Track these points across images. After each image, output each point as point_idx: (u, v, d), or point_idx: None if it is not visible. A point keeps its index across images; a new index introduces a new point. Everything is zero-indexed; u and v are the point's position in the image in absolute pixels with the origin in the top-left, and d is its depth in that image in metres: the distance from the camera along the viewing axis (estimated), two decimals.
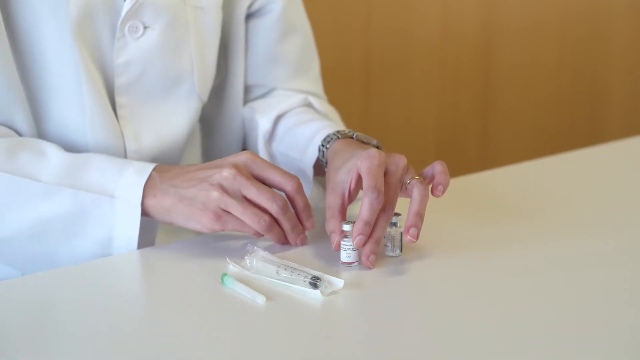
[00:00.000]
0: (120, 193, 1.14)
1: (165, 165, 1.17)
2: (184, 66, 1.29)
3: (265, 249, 1.11)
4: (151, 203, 1.14)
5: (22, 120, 1.21)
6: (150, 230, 1.19)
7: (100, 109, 1.23)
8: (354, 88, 2.51)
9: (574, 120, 2.84)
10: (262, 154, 1.38)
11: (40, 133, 1.23)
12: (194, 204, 1.12)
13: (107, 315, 0.99)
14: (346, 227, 1.08)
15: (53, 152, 1.17)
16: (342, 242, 1.09)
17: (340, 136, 1.25)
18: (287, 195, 1.15)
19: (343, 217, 1.13)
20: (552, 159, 1.55)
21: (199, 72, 1.30)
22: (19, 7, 1.18)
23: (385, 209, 1.10)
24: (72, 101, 1.22)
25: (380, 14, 2.49)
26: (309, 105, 1.41)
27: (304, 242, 1.15)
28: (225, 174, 1.11)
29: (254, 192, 1.11)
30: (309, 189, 1.32)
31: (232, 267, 1.08)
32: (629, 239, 1.20)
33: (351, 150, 1.18)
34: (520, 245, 1.17)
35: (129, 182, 1.14)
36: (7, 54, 1.18)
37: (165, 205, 1.13)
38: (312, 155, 1.29)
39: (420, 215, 1.10)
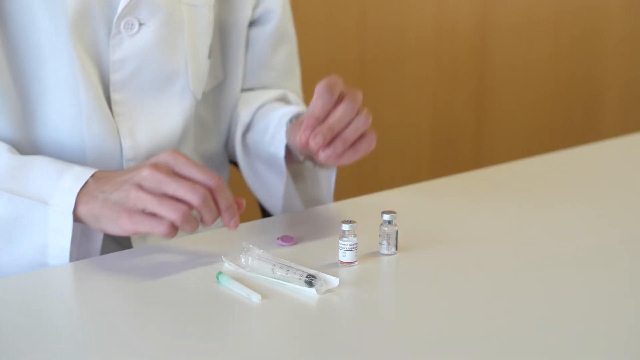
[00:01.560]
0: (54, 200, 1.13)
1: (105, 171, 1.15)
2: (179, 63, 1.29)
3: (261, 247, 1.11)
4: (83, 211, 1.11)
5: (5, 119, 1.20)
6: (93, 239, 1.17)
7: (96, 106, 1.23)
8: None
9: (569, 117, 2.85)
10: (239, 145, 1.41)
11: (35, 130, 1.23)
12: (114, 207, 1.09)
13: (101, 313, 0.99)
14: (345, 227, 1.08)
15: (1, 154, 1.17)
16: (340, 242, 1.09)
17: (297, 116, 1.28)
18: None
19: (312, 126, 1.13)
20: (547, 156, 1.56)
21: (192, 70, 1.31)
22: (14, 3, 1.18)
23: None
24: (68, 97, 1.22)
25: (374, 12, 2.49)
26: (284, 98, 1.44)
27: (239, 209, 1.12)
28: (144, 174, 1.08)
29: (172, 187, 1.07)
30: (281, 182, 1.34)
31: (228, 266, 1.08)
32: (625, 236, 1.21)
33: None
34: (516, 242, 1.17)
35: (64, 189, 1.12)
36: None
37: (94, 212, 1.11)
38: (280, 139, 1.31)
39: (332, 129, 1.12)
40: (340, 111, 1.14)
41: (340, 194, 1.39)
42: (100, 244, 1.17)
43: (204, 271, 1.08)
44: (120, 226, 1.08)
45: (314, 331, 0.96)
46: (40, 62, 1.20)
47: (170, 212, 1.06)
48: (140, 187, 1.08)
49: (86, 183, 1.12)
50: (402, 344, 0.93)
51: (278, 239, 1.16)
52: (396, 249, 1.13)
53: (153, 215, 1.07)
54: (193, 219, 1.08)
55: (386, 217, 1.12)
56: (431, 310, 1.00)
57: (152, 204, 1.07)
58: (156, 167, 1.09)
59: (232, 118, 1.43)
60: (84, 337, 0.96)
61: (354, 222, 1.09)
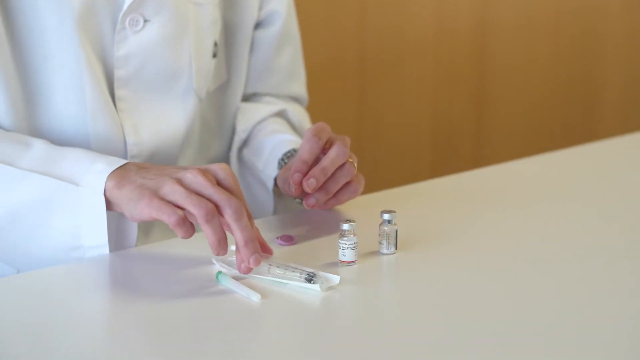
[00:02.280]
0: (85, 182, 1.11)
1: (145, 163, 1.13)
2: (183, 61, 1.30)
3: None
4: (115, 194, 1.09)
5: (11, 114, 1.20)
6: (128, 231, 1.15)
7: (101, 101, 1.23)
8: (348, 87, 2.51)
9: (568, 117, 2.85)
10: (234, 157, 1.43)
11: (40, 125, 1.23)
12: (145, 190, 1.06)
13: (102, 313, 0.99)
14: (345, 227, 1.09)
15: (38, 144, 1.16)
16: (340, 241, 1.09)
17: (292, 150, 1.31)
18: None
19: (305, 172, 1.16)
20: (547, 156, 1.56)
21: (196, 68, 1.31)
22: None
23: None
24: (73, 93, 1.22)
25: (374, 12, 2.49)
26: (281, 114, 1.45)
27: (257, 263, 1.05)
28: (188, 174, 1.06)
29: (209, 192, 1.04)
30: (271, 200, 1.36)
31: (219, 267, 1.08)
32: (624, 235, 1.21)
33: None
34: (516, 242, 1.18)
35: (96, 172, 1.11)
36: (1, 44, 1.18)
37: (126, 194, 1.08)
38: (271, 170, 1.34)
39: (325, 172, 1.16)
40: (333, 155, 1.18)
41: None
42: (136, 234, 1.15)
43: (204, 270, 1.08)
44: (138, 208, 1.05)
45: (313, 331, 0.97)
46: (46, 57, 1.21)
47: (194, 207, 1.02)
48: (179, 182, 1.05)
49: (127, 169, 1.10)
50: (401, 343, 0.93)
51: (277, 238, 1.16)
52: (396, 249, 1.13)
53: (174, 206, 1.04)
54: (217, 222, 1.03)
55: (386, 216, 1.12)
56: (431, 309, 1.00)
57: (181, 196, 1.03)
58: (203, 172, 1.06)
59: (233, 128, 1.45)
60: (83, 337, 0.96)
61: (354, 221, 1.09)
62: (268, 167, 1.35)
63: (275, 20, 1.42)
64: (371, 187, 1.36)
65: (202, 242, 1.17)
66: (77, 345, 0.93)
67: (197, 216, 1.02)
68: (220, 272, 1.05)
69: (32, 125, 1.23)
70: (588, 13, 2.78)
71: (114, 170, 1.10)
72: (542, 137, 2.81)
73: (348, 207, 1.30)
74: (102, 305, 1.01)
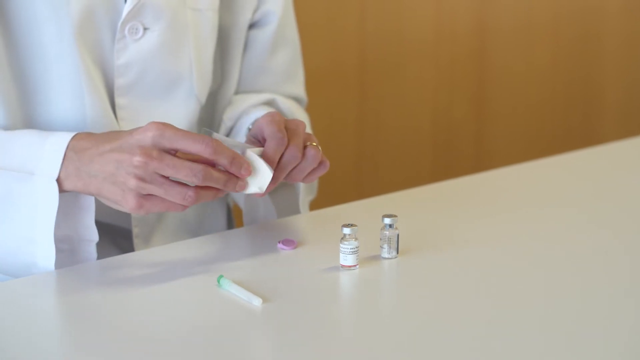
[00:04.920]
0: (40, 170, 1.11)
1: (84, 141, 1.12)
2: (183, 68, 1.29)
3: (262, 251, 1.10)
4: (71, 186, 1.10)
5: (9, 123, 1.20)
6: (84, 211, 1.14)
7: (101, 110, 1.23)
8: (348, 89, 2.51)
9: (568, 120, 2.85)
10: None
11: None
12: (114, 192, 1.08)
13: (102, 318, 0.99)
14: (346, 231, 1.09)
15: None
16: (341, 245, 1.09)
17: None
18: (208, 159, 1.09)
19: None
20: (548, 160, 1.56)
21: (197, 74, 1.31)
22: (18, 7, 1.18)
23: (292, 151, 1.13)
24: (72, 102, 1.22)
25: (374, 14, 2.49)
26: (270, 103, 1.42)
27: (243, 189, 1.10)
28: (136, 163, 1.06)
29: (170, 172, 1.06)
30: None
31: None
32: (624, 239, 1.21)
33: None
34: (517, 246, 1.18)
35: (48, 156, 1.11)
36: None
37: (89, 190, 1.10)
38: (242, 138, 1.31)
39: (283, 171, 1.13)
40: (288, 157, 1.13)
41: (341, 197, 1.39)
42: (93, 218, 1.15)
43: (205, 275, 1.08)
44: (129, 209, 1.08)
45: (314, 335, 0.97)
46: (45, 66, 1.21)
47: (180, 201, 1.06)
48: (137, 176, 1.06)
49: (68, 158, 1.10)
50: (402, 348, 0.93)
51: (279, 242, 1.16)
52: (397, 253, 1.13)
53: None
54: (204, 194, 1.07)
55: (387, 220, 1.12)
56: (432, 314, 1.00)
57: (159, 193, 1.06)
58: (146, 153, 1.06)
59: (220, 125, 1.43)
60: (85, 340, 0.96)
61: (355, 225, 1.09)
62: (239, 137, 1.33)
63: (270, 21, 1.41)
64: (371, 189, 1.36)
65: (202, 246, 1.17)
66: (77, 351, 0.93)
67: (184, 204, 1.07)
68: (221, 276, 1.05)
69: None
70: (587, 15, 2.78)
71: (62, 164, 1.10)
72: (543, 139, 2.81)
73: (349, 211, 1.30)
74: (103, 310, 1.01)
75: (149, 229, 1.32)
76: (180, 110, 1.30)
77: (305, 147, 1.15)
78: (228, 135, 1.39)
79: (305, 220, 1.30)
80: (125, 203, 1.08)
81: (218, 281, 1.05)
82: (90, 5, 1.20)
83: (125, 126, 1.26)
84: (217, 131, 1.39)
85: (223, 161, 1.08)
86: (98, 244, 1.15)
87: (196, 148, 1.07)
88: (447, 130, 2.67)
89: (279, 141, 1.13)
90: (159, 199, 1.07)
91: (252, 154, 1.11)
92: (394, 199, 1.33)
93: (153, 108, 1.28)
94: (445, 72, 2.63)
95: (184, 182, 1.06)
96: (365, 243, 1.13)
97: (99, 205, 1.14)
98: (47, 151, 1.12)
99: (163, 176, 1.06)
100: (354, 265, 1.10)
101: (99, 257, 1.15)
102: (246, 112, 1.38)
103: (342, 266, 1.10)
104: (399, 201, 1.33)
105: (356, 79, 2.51)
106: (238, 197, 1.39)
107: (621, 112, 2.89)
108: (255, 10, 1.40)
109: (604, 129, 2.88)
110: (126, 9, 1.22)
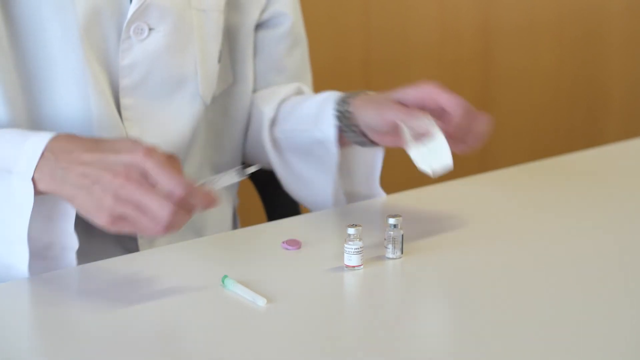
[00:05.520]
0: (18, 168, 1.09)
1: (61, 140, 1.10)
2: (188, 68, 1.29)
3: (266, 252, 1.10)
4: (45, 187, 1.08)
5: (14, 124, 1.20)
6: (62, 216, 1.13)
7: (106, 111, 1.23)
8: (352, 89, 2.50)
9: (572, 119, 2.85)
10: (267, 140, 1.38)
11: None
12: (88, 203, 1.06)
13: (106, 318, 0.99)
14: (350, 231, 1.09)
15: None
16: (345, 245, 1.09)
17: (353, 94, 1.31)
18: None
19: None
20: (552, 160, 1.56)
21: (202, 75, 1.31)
22: (23, 7, 1.18)
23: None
24: (77, 102, 1.22)
25: (378, 14, 2.49)
26: (300, 92, 1.44)
27: (214, 205, 1.07)
28: (116, 183, 1.04)
29: (144, 201, 1.03)
30: (332, 154, 1.32)
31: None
32: (628, 240, 1.21)
33: (379, 96, 1.28)
34: (522, 246, 1.18)
35: (27, 154, 1.09)
36: (3, 54, 1.18)
37: (65, 194, 1.07)
38: (328, 120, 1.30)
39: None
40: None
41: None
42: (73, 225, 1.13)
43: (209, 275, 1.08)
44: (102, 224, 1.05)
45: (319, 335, 0.97)
46: (50, 66, 1.21)
47: (150, 230, 1.04)
48: (116, 196, 1.04)
49: (45, 157, 1.08)
50: (407, 348, 0.93)
51: (283, 242, 1.17)
52: (402, 253, 1.13)
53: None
54: (177, 222, 1.04)
55: (392, 220, 1.12)
56: (437, 314, 1.00)
57: (131, 214, 1.04)
58: (127, 175, 1.04)
59: (253, 117, 1.42)
60: (86, 342, 0.96)
61: (360, 225, 1.09)
62: (323, 122, 1.32)
63: (282, 22, 1.42)
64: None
65: (207, 246, 1.17)
66: (82, 350, 0.94)
67: (155, 234, 1.05)
68: (225, 276, 1.05)
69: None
70: (591, 15, 2.78)
71: (38, 164, 1.08)
72: (547, 139, 2.81)
73: (354, 212, 1.30)
74: (106, 310, 1.01)
75: None
76: (184, 111, 1.31)
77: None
78: (272, 124, 1.39)
79: (309, 221, 1.30)
80: (97, 219, 1.05)
81: (222, 281, 1.05)
82: (95, 6, 1.20)
83: (130, 126, 1.26)
84: (259, 125, 1.40)
85: (196, 201, 1.06)
86: (103, 244, 1.15)
87: (171, 187, 1.04)
88: None
89: (469, 112, 1.21)
90: (129, 222, 1.04)
91: (439, 133, 1.14)
92: (398, 199, 1.34)
93: (158, 108, 1.28)
94: (449, 72, 2.63)
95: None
96: (369, 243, 1.13)
97: None
98: (26, 150, 1.10)
99: (137, 199, 1.04)
100: (359, 266, 1.10)
101: (103, 257, 1.15)
102: (287, 101, 1.40)
103: (347, 266, 1.10)
104: (404, 201, 1.33)
105: (360, 79, 2.51)
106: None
107: (625, 112, 2.89)
108: (264, 11, 1.40)
109: (608, 129, 2.87)
110: (131, 9, 1.22)
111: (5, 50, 1.19)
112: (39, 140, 1.10)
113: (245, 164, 1.01)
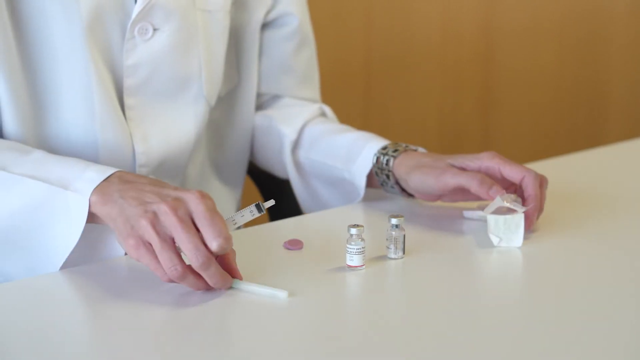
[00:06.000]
0: (74, 187, 1.09)
1: (133, 174, 1.11)
2: (192, 69, 1.30)
3: (268, 251, 1.11)
4: (100, 210, 1.08)
5: (18, 123, 1.20)
6: (106, 243, 1.14)
7: (110, 110, 1.23)
8: (354, 89, 2.51)
9: (574, 120, 2.85)
10: (289, 161, 1.40)
11: (48, 134, 1.23)
12: (126, 225, 1.05)
13: (115, 316, 1.00)
14: (352, 231, 1.09)
15: (37, 153, 1.15)
16: (347, 246, 1.09)
17: (395, 148, 1.31)
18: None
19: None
20: (553, 161, 1.56)
21: (206, 76, 1.31)
22: (28, 7, 1.19)
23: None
24: (82, 102, 1.22)
25: (381, 15, 2.49)
26: (324, 114, 1.45)
27: (225, 287, 1.05)
28: (163, 208, 1.03)
29: (179, 237, 1.01)
30: (359, 195, 1.33)
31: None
32: (630, 240, 1.21)
33: (429, 159, 1.27)
34: (523, 246, 1.18)
35: (86, 179, 1.09)
36: (10, 53, 1.18)
37: (111, 215, 1.06)
38: (364, 165, 1.31)
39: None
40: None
41: None
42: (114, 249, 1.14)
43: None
44: (125, 246, 1.05)
45: (320, 335, 0.97)
46: (55, 66, 1.21)
47: (166, 267, 1.02)
48: (153, 221, 1.02)
49: (110, 181, 1.08)
50: (409, 348, 0.93)
51: (285, 243, 1.17)
52: (403, 253, 1.13)
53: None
54: (191, 278, 1.03)
55: (393, 221, 1.12)
56: (438, 314, 1.00)
57: (155, 246, 1.02)
58: (175, 208, 1.02)
59: (271, 135, 1.43)
60: (95, 339, 0.96)
61: (361, 226, 1.09)
62: (354, 165, 1.32)
63: (289, 22, 1.42)
64: (378, 192, 1.36)
65: None
66: (91, 346, 0.94)
67: (168, 274, 1.02)
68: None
69: (41, 134, 1.23)
70: (593, 16, 2.78)
71: (99, 185, 1.08)
72: (549, 139, 2.81)
73: (356, 212, 1.30)
74: (116, 309, 1.01)
75: None
76: (189, 112, 1.31)
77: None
78: (294, 147, 1.41)
79: (311, 221, 1.30)
80: (126, 240, 1.04)
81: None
82: (100, 5, 1.21)
83: (134, 126, 1.26)
84: (282, 144, 1.41)
85: (224, 266, 1.05)
86: (107, 243, 1.15)
87: (211, 237, 1.02)
88: (453, 131, 2.68)
89: (539, 204, 1.21)
90: (152, 255, 1.03)
91: (521, 213, 1.16)
92: (400, 200, 1.34)
93: (161, 109, 1.28)
94: (451, 73, 2.63)
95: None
96: (371, 243, 1.14)
97: None
98: (89, 171, 1.10)
99: (171, 237, 1.03)
100: (361, 266, 1.10)
101: (108, 257, 1.15)
102: (310, 126, 1.41)
103: (349, 266, 1.10)
104: (405, 202, 1.33)
105: (362, 80, 2.52)
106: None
107: (627, 112, 2.89)
108: (270, 11, 1.40)
109: (610, 130, 2.87)
110: (136, 9, 1.23)
111: (12, 50, 1.19)
112: (104, 168, 1.10)
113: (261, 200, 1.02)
